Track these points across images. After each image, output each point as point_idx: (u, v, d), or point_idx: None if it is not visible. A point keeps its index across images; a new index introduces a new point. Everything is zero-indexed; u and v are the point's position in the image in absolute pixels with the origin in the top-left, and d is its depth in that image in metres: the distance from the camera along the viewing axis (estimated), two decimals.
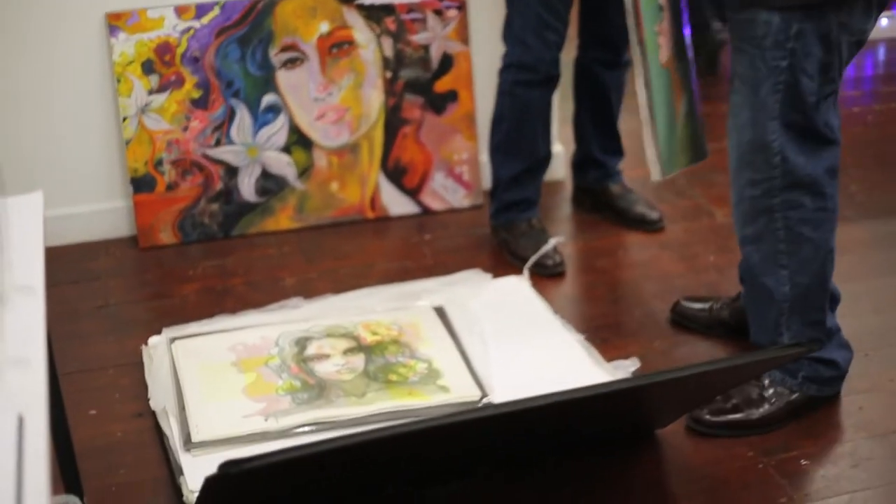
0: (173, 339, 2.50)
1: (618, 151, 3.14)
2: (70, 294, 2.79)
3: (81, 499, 1.62)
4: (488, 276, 2.77)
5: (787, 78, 2.05)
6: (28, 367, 1.14)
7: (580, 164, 3.16)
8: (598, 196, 3.14)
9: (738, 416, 2.25)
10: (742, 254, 2.28)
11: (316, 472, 1.85)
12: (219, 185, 3.02)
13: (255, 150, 3.03)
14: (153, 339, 2.53)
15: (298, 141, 3.06)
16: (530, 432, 2.03)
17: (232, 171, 3.03)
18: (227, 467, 1.59)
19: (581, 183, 3.18)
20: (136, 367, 2.47)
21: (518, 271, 2.81)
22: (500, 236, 2.96)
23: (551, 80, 2.85)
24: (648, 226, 3.04)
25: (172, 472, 2.14)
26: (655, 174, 2.28)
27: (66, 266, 2.90)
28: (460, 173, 3.17)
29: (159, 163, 2.98)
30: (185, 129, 2.97)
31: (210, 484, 1.71)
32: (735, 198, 2.23)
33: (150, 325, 2.64)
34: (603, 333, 2.59)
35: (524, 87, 2.84)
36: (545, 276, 2.82)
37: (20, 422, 1.06)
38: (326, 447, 1.68)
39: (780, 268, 2.19)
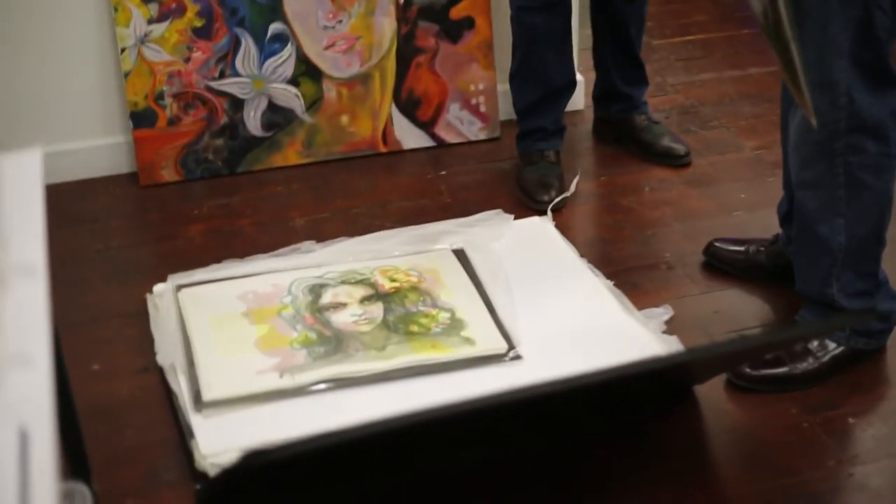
0: (179, 287, 2.36)
1: (641, 81, 2.97)
2: (69, 237, 2.65)
3: (89, 484, 1.50)
4: (509, 217, 2.62)
5: (860, 13, 1.89)
6: (30, 366, 1.00)
7: (602, 96, 3.00)
8: (621, 128, 2.98)
9: (780, 370, 2.12)
10: (797, 198, 2.13)
11: (344, 459, 1.72)
12: (223, 120, 2.86)
13: (261, 81, 2.87)
14: (158, 287, 2.39)
15: (307, 72, 2.89)
16: (567, 403, 1.91)
17: (237, 105, 2.86)
18: (251, 458, 1.46)
19: (603, 115, 3.02)
20: (141, 316, 2.33)
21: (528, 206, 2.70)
22: (517, 166, 2.83)
23: (553, 6, 2.69)
24: (674, 160, 2.89)
25: (182, 433, 2.02)
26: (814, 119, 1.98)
27: (63, 206, 2.75)
28: (477, 104, 3.01)
29: (160, 96, 2.81)
30: (187, 60, 2.80)
31: (229, 474, 1.59)
32: (795, 139, 2.07)
33: (155, 269, 2.50)
34: (633, 277, 2.46)
35: (525, 12, 2.72)
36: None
37: (23, 437, 0.92)
38: (359, 433, 1.55)
39: (837, 216, 2.05)
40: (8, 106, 2.76)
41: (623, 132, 2.97)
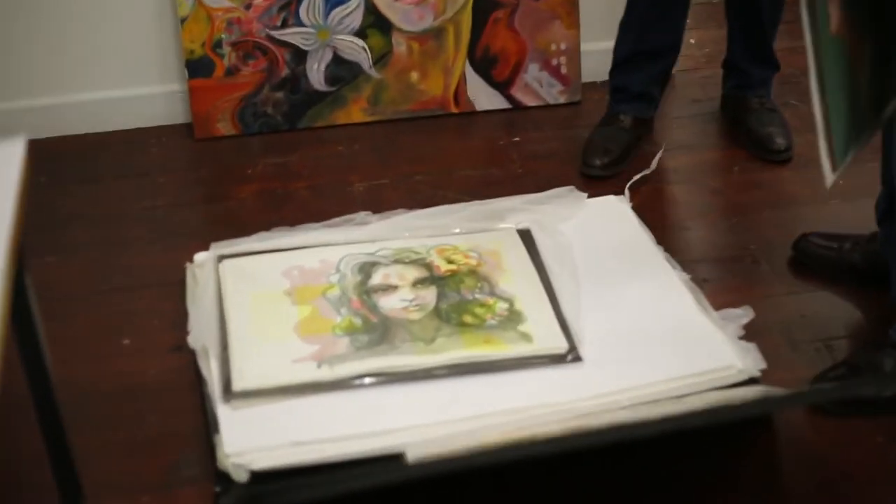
0: (221, 258, 2.21)
1: (765, 60, 2.68)
2: (116, 191, 2.51)
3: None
4: (583, 195, 2.41)
5: None
6: None
7: (724, 65, 2.74)
8: (733, 106, 2.72)
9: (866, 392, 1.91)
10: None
11: None
12: (284, 72, 2.68)
13: (325, 32, 2.68)
14: (199, 256, 2.23)
15: (375, 23, 2.69)
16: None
17: (300, 56, 2.68)
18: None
19: (723, 88, 2.76)
20: (180, 287, 2.19)
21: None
22: None
23: None
24: (771, 154, 2.61)
25: (208, 424, 1.88)
26: (828, 177, 1.75)
27: (112, 157, 2.62)
28: (557, 66, 2.79)
29: (218, 44, 2.64)
30: (248, 6, 2.62)
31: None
32: None
33: (201, 233, 2.36)
34: (713, 270, 2.26)
35: None
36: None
37: None
38: (388, 477, 1.38)
39: None
40: (60, 49, 2.63)
41: (735, 110, 2.71)
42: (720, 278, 2.23)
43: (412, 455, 1.79)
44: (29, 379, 1.35)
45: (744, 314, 2.10)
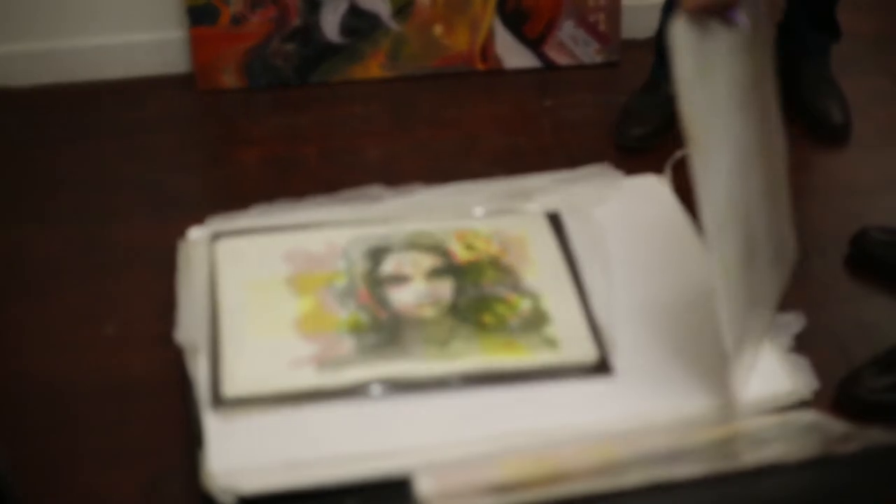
0: (217, 237, 2.00)
1: (825, 26, 2.44)
2: (109, 151, 2.29)
3: None
4: (618, 174, 2.18)
5: None
6: None
7: (779, 29, 2.47)
8: (786, 74, 2.44)
9: None
10: None
11: None
12: (296, 21, 2.44)
13: None
14: (194, 233, 2.02)
15: None
16: None
17: (313, 5, 2.44)
18: None
19: (777, 51, 2.49)
20: (172, 266, 1.97)
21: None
22: None
23: None
24: (827, 131, 2.37)
25: (194, 434, 1.68)
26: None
27: (105, 110, 2.39)
28: (595, 22, 2.54)
29: None
30: None
31: None
32: None
33: (199, 202, 2.15)
34: None
35: None
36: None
37: None
38: None
39: None
40: None
41: (788, 81, 2.44)
42: None
43: (421, 483, 1.60)
44: None
45: (794, 322, 1.89)
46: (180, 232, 2.03)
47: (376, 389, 1.73)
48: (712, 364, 1.76)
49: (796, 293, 1.95)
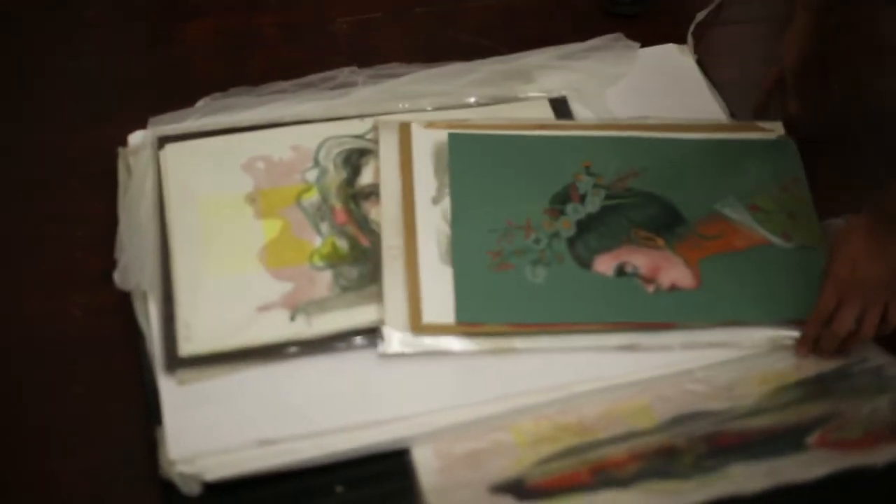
0: (163, 142, 1.68)
1: None
2: (28, 27, 1.94)
3: None
4: (634, 45, 1.85)
5: None
6: None
7: None
8: None
9: None
10: None
11: None
12: None
13: None
14: (134, 137, 1.70)
15: None
16: None
17: None
18: None
19: None
20: (111, 178, 1.66)
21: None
22: None
23: None
24: None
25: (149, 403, 1.41)
26: None
27: None
28: None
29: None
30: None
31: None
32: None
33: (139, 94, 1.82)
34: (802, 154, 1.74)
35: None
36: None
37: None
38: None
39: None
40: None
41: None
42: (808, 167, 1.71)
43: (419, 457, 1.36)
44: None
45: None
46: (119, 135, 1.70)
47: (361, 341, 1.45)
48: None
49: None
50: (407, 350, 1.43)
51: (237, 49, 1.91)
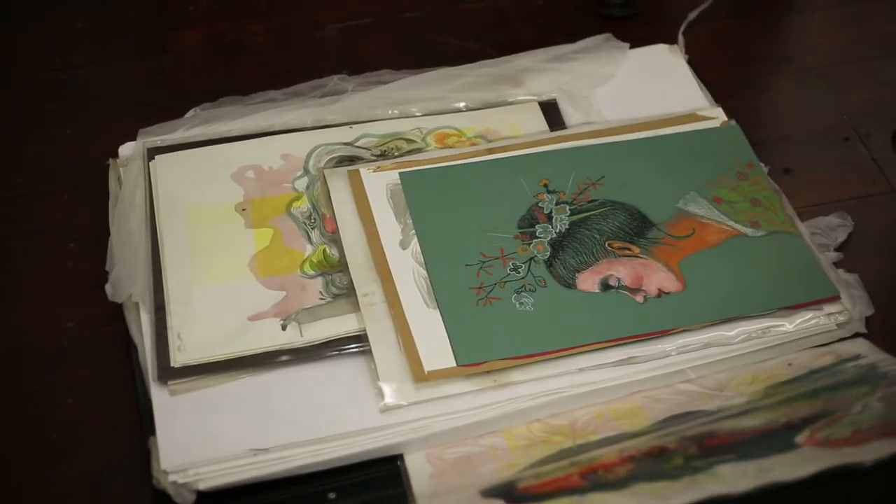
0: (153, 153, 1.68)
1: None
2: (17, 38, 1.94)
3: None
4: (623, 46, 1.85)
5: None
6: None
7: None
8: None
9: None
10: None
11: None
12: None
13: None
14: (125, 149, 1.70)
15: None
16: None
17: None
18: None
19: None
20: (102, 190, 1.67)
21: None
22: None
23: None
24: None
25: (141, 413, 1.41)
26: None
27: None
28: None
29: None
30: None
31: None
32: None
33: (128, 105, 1.82)
34: (796, 151, 1.74)
35: None
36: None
37: None
38: None
39: None
40: None
41: None
42: (805, 165, 1.72)
43: (412, 460, 1.36)
44: None
45: (841, 224, 1.61)
46: (110, 145, 1.71)
47: (353, 348, 1.45)
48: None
49: (843, 187, 1.68)
50: (411, 401, 1.39)
51: (227, 58, 1.91)
